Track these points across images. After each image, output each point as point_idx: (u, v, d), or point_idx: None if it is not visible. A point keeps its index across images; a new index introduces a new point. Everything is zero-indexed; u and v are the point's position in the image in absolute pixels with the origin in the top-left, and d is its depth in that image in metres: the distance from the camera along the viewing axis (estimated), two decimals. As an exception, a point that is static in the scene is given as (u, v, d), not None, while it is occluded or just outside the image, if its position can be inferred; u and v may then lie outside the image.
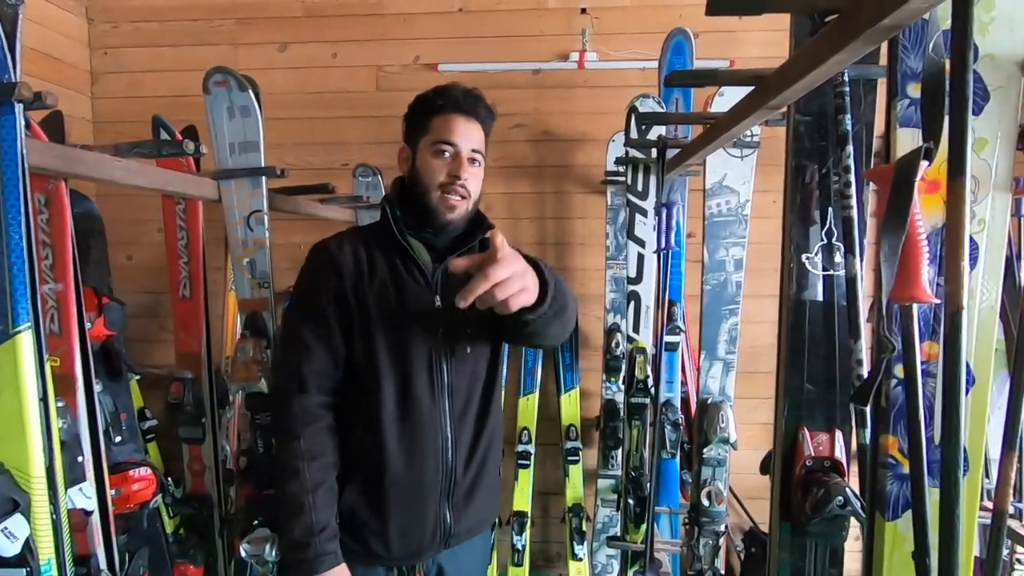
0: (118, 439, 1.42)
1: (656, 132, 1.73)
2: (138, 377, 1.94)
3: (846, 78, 0.95)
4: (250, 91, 1.48)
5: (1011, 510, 1.26)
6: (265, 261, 1.53)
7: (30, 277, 0.91)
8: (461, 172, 1.10)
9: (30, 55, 2.13)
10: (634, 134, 1.79)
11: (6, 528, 0.87)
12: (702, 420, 1.66)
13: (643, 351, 1.91)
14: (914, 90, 0.69)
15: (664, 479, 2.00)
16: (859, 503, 0.89)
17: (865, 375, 0.93)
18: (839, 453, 0.97)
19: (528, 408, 2.36)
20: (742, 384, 1.76)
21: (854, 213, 0.95)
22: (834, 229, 0.98)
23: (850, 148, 0.95)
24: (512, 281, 0.85)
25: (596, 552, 2.25)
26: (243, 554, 1.34)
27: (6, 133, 0.89)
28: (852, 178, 0.94)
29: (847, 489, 0.90)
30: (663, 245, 1.57)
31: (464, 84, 1.15)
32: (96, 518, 1.14)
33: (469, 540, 1.21)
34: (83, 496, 1.11)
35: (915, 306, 0.66)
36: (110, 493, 1.18)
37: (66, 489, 1.01)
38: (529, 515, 2.27)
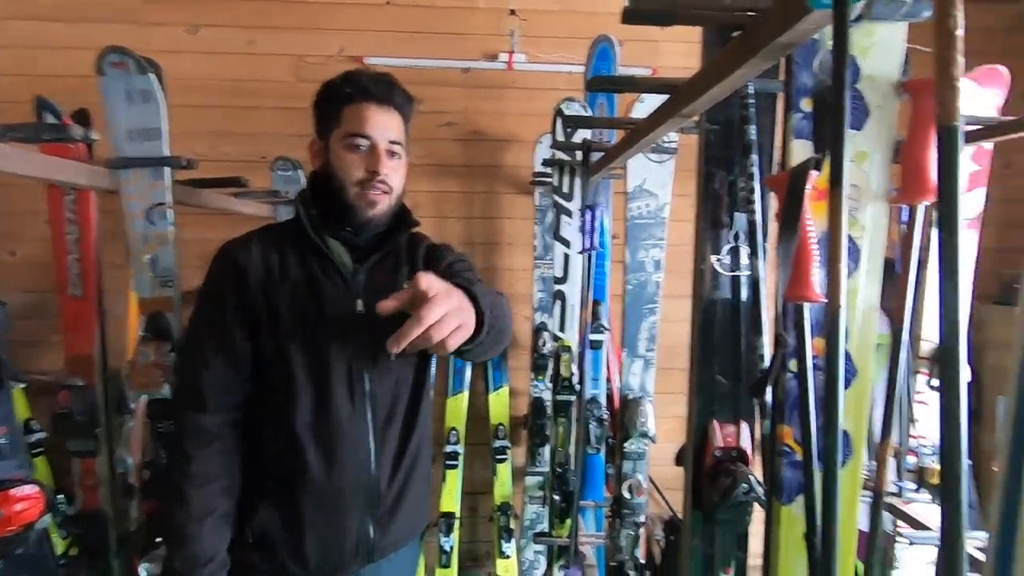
0: (-3, 455, 1.29)
1: (582, 135, 1.78)
2: (23, 385, 1.77)
3: (751, 90, 1.01)
4: (151, 75, 1.38)
5: (893, 488, 1.40)
6: (169, 258, 1.43)
7: None
8: (379, 167, 1.02)
9: None
10: (560, 136, 1.83)
11: None
12: (624, 415, 1.72)
13: (568, 349, 1.95)
14: (806, 104, 0.75)
15: (590, 474, 2.06)
16: (761, 489, 0.95)
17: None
18: (745, 443, 1.03)
19: (457, 408, 2.35)
20: (661, 380, 1.83)
21: (758, 218, 1.01)
22: (741, 233, 1.04)
23: (754, 156, 1.01)
24: (448, 320, 0.79)
25: (524, 549, 2.27)
26: (143, 575, 1.25)
27: None
28: (756, 185, 1.00)
29: (751, 477, 0.96)
30: (588, 246, 1.61)
31: (374, 70, 1.07)
32: (-28, 543, 1.03)
33: (396, 552, 1.13)
34: (-44, 520, 1.00)
35: (807, 305, 0.72)
36: (-11, 515, 1.07)
37: (-64, 512, 0.91)
38: (458, 516, 2.26)
